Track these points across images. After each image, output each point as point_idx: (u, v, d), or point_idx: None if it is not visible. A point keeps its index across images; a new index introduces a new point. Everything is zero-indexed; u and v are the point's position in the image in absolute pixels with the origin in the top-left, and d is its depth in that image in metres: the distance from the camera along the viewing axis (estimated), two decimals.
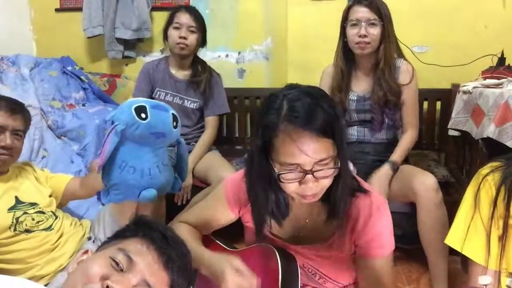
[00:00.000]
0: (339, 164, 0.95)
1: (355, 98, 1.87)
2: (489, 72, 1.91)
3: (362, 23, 1.75)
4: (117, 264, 0.75)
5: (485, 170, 0.97)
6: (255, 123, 1.03)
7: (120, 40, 2.77)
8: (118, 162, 1.25)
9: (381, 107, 1.83)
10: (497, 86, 1.68)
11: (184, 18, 2.09)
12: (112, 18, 2.73)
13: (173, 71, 2.22)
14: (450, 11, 2.37)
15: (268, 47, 2.69)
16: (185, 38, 2.07)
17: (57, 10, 2.99)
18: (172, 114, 1.29)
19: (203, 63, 2.27)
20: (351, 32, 1.78)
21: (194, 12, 2.13)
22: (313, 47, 2.56)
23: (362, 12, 1.76)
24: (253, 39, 2.70)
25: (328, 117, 0.91)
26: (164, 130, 1.26)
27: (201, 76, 2.18)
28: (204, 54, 2.70)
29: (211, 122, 2.23)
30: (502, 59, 1.96)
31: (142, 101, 1.26)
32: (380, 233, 1.07)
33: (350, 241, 1.10)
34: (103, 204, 1.42)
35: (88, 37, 2.81)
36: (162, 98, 2.20)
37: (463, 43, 2.34)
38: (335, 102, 1.00)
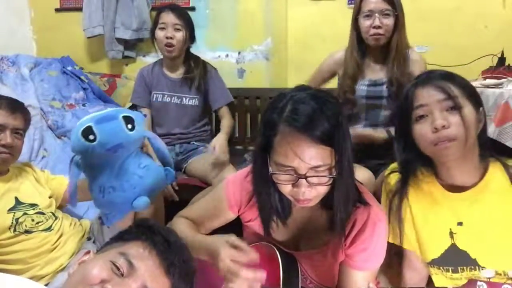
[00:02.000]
0: (335, 174, 0.93)
1: (367, 83, 1.85)
2: (489, 72, 1.92)
3: (376, 14, 1.73)
4: (117, 268, 0.74)
5: (386, 172, 1.25)
6: (261, 119, 1.02)
7: (120, 40, 2.77)
8: (96, 188, 1.23)
9: (394, 100, 1.80)
10: (497, 86, 1.68)
11: (168, 17, 2.09)
12: (112, 18, 2.73)
13: (167, 71, 2.23)
14: (450, 12, 2.37)
15: (268, 47, 2.69)
16: (171, 38, 2.08)
17: (57, 10, 2.99)
18: (123, 117, 1.22)
19: (196, 58, 2.25)
20: (365, 23, 1.76)
21: (178, 10, 2.14)
22: (313, 47, 2.56)
23: (375, 3, 1.74)
24: (253, 39, 2.70)
25: (329, 125, 0.90)
26: (119, 140, 1.19)
27: (194, 72, 2.18)
28: (204, 54, 2.71)
29: (224, 112, 2.26)
30: (502, 59, 1.96)
31: (86, 121, 1.19)
32: (368, 248, 1.06)
33: (342, 250, 1.10)
34: (108, 227, 1.41)
35: (88, 37, 2.81)
36: (160, 100, 2.20)
37: (463, 43, 2.34)
38: (342, 109, 0.98)
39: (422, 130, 1.05)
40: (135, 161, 1.26)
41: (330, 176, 0.93)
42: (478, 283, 0.85)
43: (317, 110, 0.91)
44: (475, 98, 1.07)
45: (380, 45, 1.79)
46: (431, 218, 1.14)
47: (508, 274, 1.02)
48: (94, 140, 1.15)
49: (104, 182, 1.21)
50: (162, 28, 2.09)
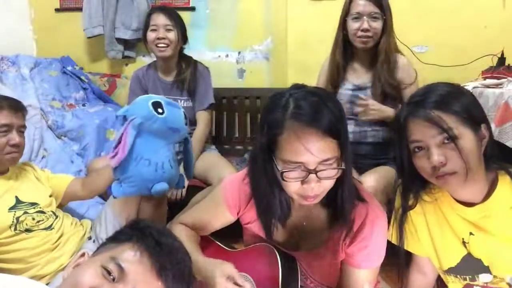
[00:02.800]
0: (343, 166, 0.95)
1: (351, 87, 1.85)
2: (489, 72, 1.91)
3: (364, 16, 1.74)
4: (108, 273, 0.73)
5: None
6: (260, 121, 1.03)
7: (120, 40, 2.77)
8: (133, 155, 1.28)
9: (381, 101, 1.79)
10: (497, 86, 1.68)
11: (158, 19, 2.10)
12: (112, 18, 2.73)
13: (161, 75, 2.22)
14: (450, 11, 2.37)
15: (268, 47, 2.69)
16: (163, 38, 2.08)
17: (57, 10, 2.99)
18: (183, 112, 1.36)
19: (187, 59, 2.23)
20: (353, 26, 1.77)
21: (168, 11, 2.14)
22: (313, 47, 2.56)
23: (364, 6, 1.74)
24: (253, 39, 2.70)
25: (334, 117, 0.92)
26: (179, 125, 1.33)
27: (185, 73, 2.17)
28: (204, 54, 2.71)
29: (201, 116, 2.19)
30: (502, 59, 1.96)
31: (156, 97, 1.32)
32: (368, 246, 1.06)
33: (342, 248, 1.10)
34: (114, 197, 1.40)
35: (88, 37, 2.81)
36: None
37: (463, 43, 2.34)
38: (340, 103, 0.99)
39: (421, 163, 1.03)
40: (174, 151, 1.38)
41: (339, 167, 0.94)
42: (475, 287, 0.85)
43: (320, 104, 0.92)
44: (474, 119, 1.01)
45: (367, 48, 1.79)
46: (446, 227, 1.13)
47: (505, 278, 1.03)
48: (162, 114, 1.26)
49: (144, 152, 1.28)
50: (154, 30, 2.10)
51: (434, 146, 0.99)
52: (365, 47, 1.79)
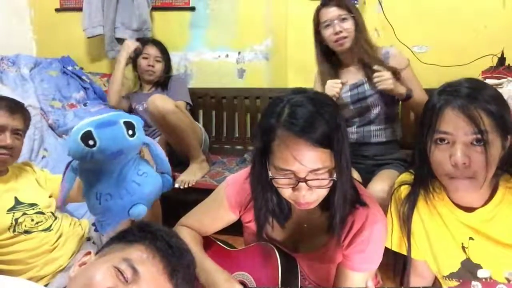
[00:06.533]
0: (335, 176, 0.94)
1: (348, 88, 1.86)
2: (489, 72, 1.91)
3: (335, 21, 1.79)
4: (121, 274, 0.74)
5: (396, 184, 1.20)
6: (257, 124, 1.02)
7: (120, 40, 2.77)
8: (93, 194, 1.20)
9: (381, 95, 1.82)
10: (497, 86, 1.68)
11: (152, 50, 2.53)
12: (112, 18, 2.73)
13: (145, 91, 2.59)
14: (450, 11, 2.36)
15: (268, 47, 2.69)
16: (152, 66, 2.51)
17: (57, 10, 2.99)
18: (124, 122, 1.18)
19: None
20: (327, 33, 1.82)
21: (160, 45, 2.57)
22: (313, 47, 2.54)
23: (332, 12, 1.80)
24: (253, 39, 2.70)
25: (328, 127, 0.90)
26: (119, 146, 1.15)
27: (160, 80, 2.55)
28: (204, 54, 2.72)
29: None
30: (502, 59, 1.96)
31: (85, 125, 1.15)
32: (366, 249, 1.06)
33: (340, 251, 1.10)
34: (102, 234, 1.39)
35: (88, 37, 2.81)
36: (141, 109, 2.48)
37: (463, 43, 2.34)
38: (339, 111, 0.98)
39: (439, 157, 0.97)
40: (134, 168, 1.23)
41: (330, 178, 0.94)
42: (473, 282, 0.84)
43: (315, 113, 0.91)
44: (505, 128, 0.94)
45: (347, 48, 1.82)
46: (444, 233, 1.10)
47: (504, 274, 1.02)
48: (94, 146, 1.11)
49: (101, 188, 1.19)
50: (146, 58, 2.51)
51: (462, 143, 0.93)
52: (343, 49, 1.83)
